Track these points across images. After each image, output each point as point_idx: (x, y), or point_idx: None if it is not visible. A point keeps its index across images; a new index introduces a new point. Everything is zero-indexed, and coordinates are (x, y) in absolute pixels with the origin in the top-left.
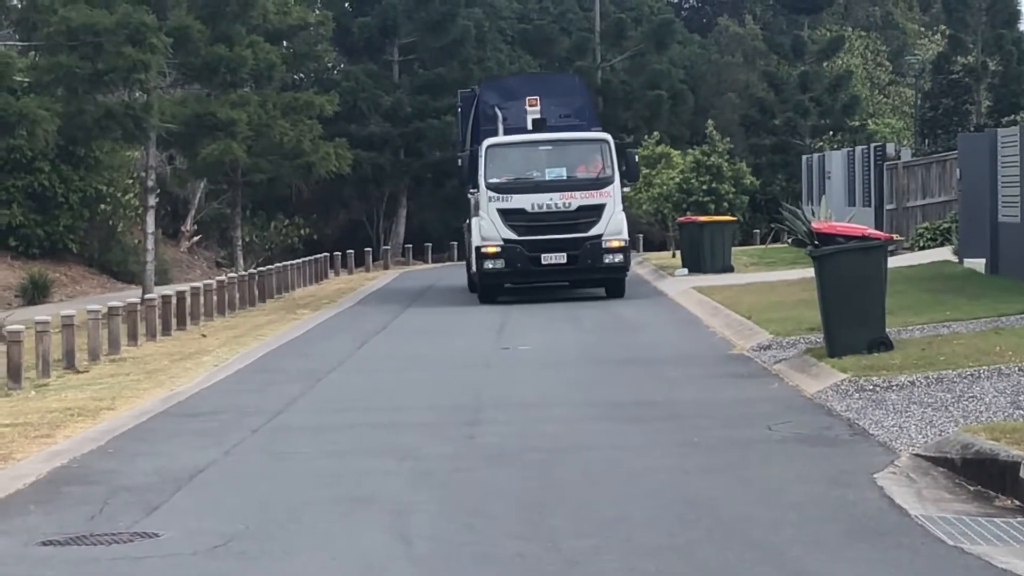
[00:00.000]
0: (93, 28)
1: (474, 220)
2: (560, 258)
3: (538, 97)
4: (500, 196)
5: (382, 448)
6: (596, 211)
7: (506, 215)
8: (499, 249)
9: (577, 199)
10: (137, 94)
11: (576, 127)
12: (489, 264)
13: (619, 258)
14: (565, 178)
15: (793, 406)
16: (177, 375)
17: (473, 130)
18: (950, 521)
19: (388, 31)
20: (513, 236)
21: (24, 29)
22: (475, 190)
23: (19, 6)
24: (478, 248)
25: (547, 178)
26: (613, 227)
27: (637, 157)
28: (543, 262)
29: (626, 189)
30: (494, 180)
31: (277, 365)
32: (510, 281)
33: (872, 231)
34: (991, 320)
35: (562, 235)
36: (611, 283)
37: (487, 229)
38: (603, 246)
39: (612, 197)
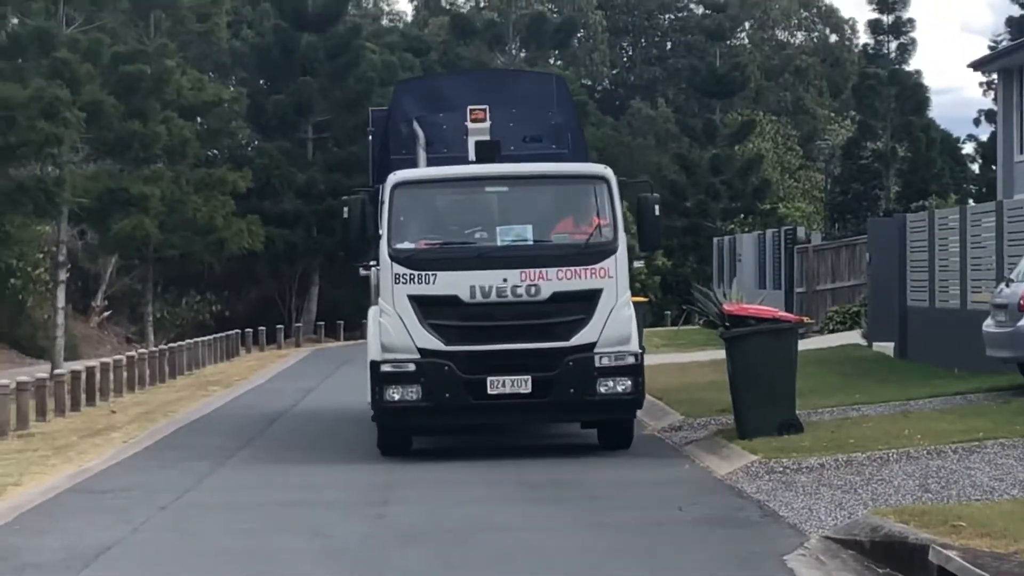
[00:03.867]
0: (6, 102)
1: (371, 312)
2: (520, 384)
3: (486, 108)
4: (414, 274)
5: (292, 526)
6: (585, 302)
7: (425, 307)
8: (412, 368)
9: (551, 281)
10: (49, 168)
11: (551, 156)
12: (394, 394)
13: (624, 385)
14: (530, 243)
15: (704, 487)
16: (86, 451)
17: (378, 161)
18: None
19: (302, 109)
20: (437, 344)
21: None
22: (371, 262)
23: None
24: (375, 366)
25: (499, 242)
26: (615, 329)
27: (657, 210)
28: (490, 391)
29: (639, 263)
30: (404, 245)
31: (187, 442)
32: (431, 422)
33: (783, 314)
34: (900, 404)
35: (524, 343)
36: (609, 427)
37: (391, 332)
38: (596, 364)
39: (613, 277)
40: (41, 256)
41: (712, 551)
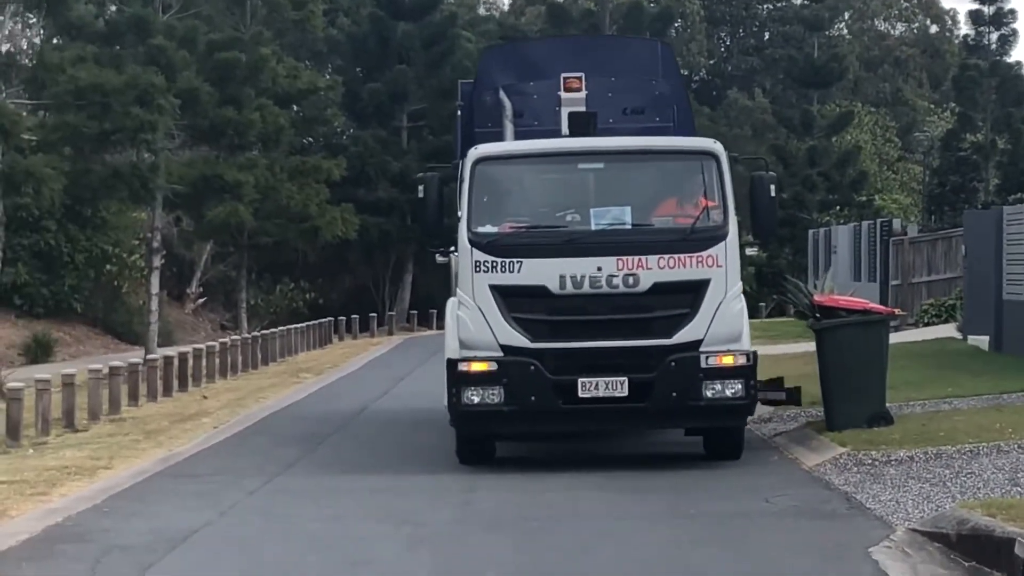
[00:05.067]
0: (101, 88)
1: (450, 304)
2: (615, 387)
3: (582, 76)
4: (497, 261)
5: (379, 512)
6: (690, 294)
7: (509, 299)
8: (493, 368)
9: (652, 270)
10: (144, 155)
11: (654, 130)
12: (473, 396)
13: (734, 389)
14: (629, 226)
15: (791, 479)
16: (176, 436)
17: (463, 136)
18: None
19: (398, 97)
20: (523, 341)
21: (33, 88)
22: (451, 248)
23: (28, 65)
24: (452, 364)
25: (593, 226)
26: (724, 326)
27: (773, 191)
28: (582, 394)
29: (752, 250)
30: (485, 229)
31: (277, 428)
32: (514, 429)
33: (874, 305)
34: (993, 397)
35: (620, 340)
36: (717, 434)
37: (471, 327)
38: (703, 365)
39: (723, 267)
40: (137, 243)
41: (797, 542)
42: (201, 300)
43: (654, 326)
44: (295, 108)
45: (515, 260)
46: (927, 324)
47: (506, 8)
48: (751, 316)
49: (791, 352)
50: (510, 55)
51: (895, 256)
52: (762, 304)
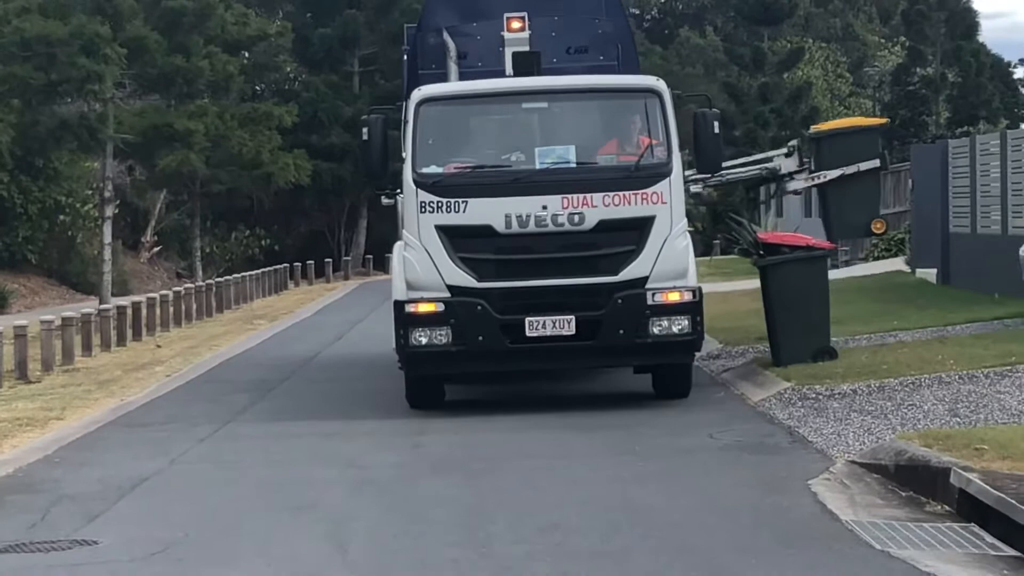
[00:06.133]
0: (47, 39)
1: (396, 247)
2: (562, 325)
3: (525, 16)
4: (442, 202)
5: (328, 457)
6: (635, 231)
7: (455, 239)
8: (440, 308)
9: (597, 208)
10: (93, 105)
11: (599, 69)
12: (421, 337)
13: (681, 325)
14: (573, 165)
15: (736, 414)
16: (129, 385)
17: (408, 80)
18: (880, 526)
19: (348, 42)
20: (469, 281)
21: None
22: (396, 189)
23: None
24: (399, 306)
25: (538, 165)
26: (669, 262)
27: (716, 127)
28: (529, 333)
29: (697, 187)
30: (430, 170)
31: (229, 376)
32: (462, 369)
33: (817, 241)
34: (937, 330)
35: (567, 278)
36: (665, 372)
37: (417, 267)
38: (649, 302)
39: (668, 203)
40: (90, 193)
41: (738, 476)
42: (156, 249)
43: (600, 264)
44: (245, 55)
45: (460, 200)
46: (877, 258)
47: None
48: (706, 254)
49: (742, 288)
50: None
51: None
52: (716, 241)
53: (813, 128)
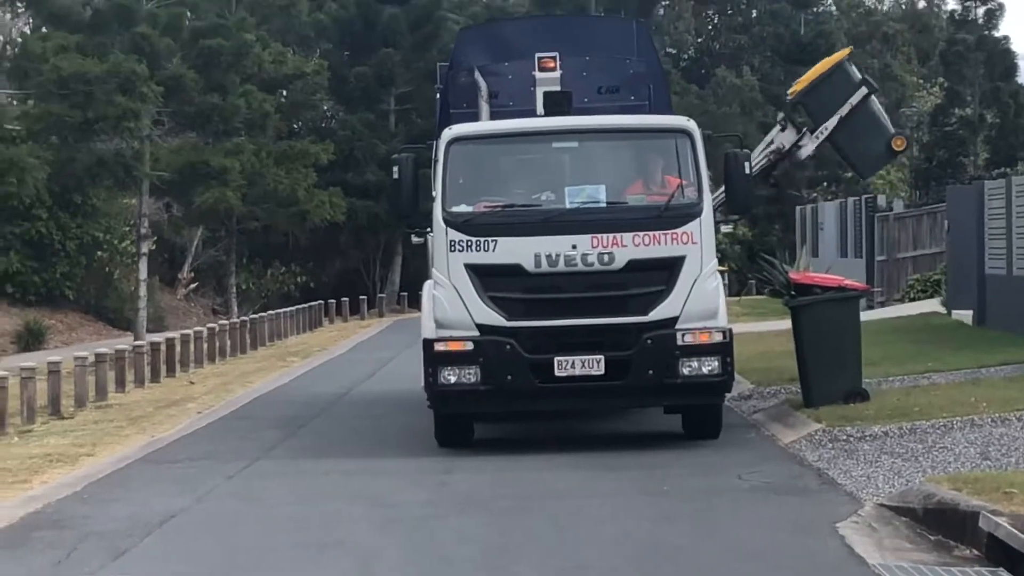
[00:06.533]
0: (84, 77)
1: (426, 285)
2: (591, 365)
3: (556, 56)
4: (472, 240)
5: (355, 493)
6: (665, 271)
7: (484, 278)
8: (469, 347)
9: (627, 247)
10: (128, 142)
11: (630, 109)
12: (450, 376)
13: (711, 366)
14: (603, 204)
15: (766, 456)
16: (160, 422)
17: (441, 116)
18: (907, 570)
19: (384, 80)
20: (498, 320)
21: (16, 77)
22: (427, 229)
23: (11, 54)
24: (428, 344)
25: (568, 204)
26: (699, 303)
27: (747, 168)
28: (558, 373)
29: (727, 227)
30: (460, 208)
31: (260, 412)
32: (491, 408)
33: (849, 282)
34: (971, 372)
35: (596, 318)
36: (695, 412)
37: (447, 306)
38: (679, 342)
39: (698, 244)
40: (127, 229)
41: (765, 518)
42: (193, 285)
43: (630, 303)
44: (282, 93)
45: (490, 239)
46: (913, 299)
47: None
48: (741, 294)
49: (776, 329)
50: (485, 35)
51: (881, 232)
52: (752, 280)
53: (790, 92)
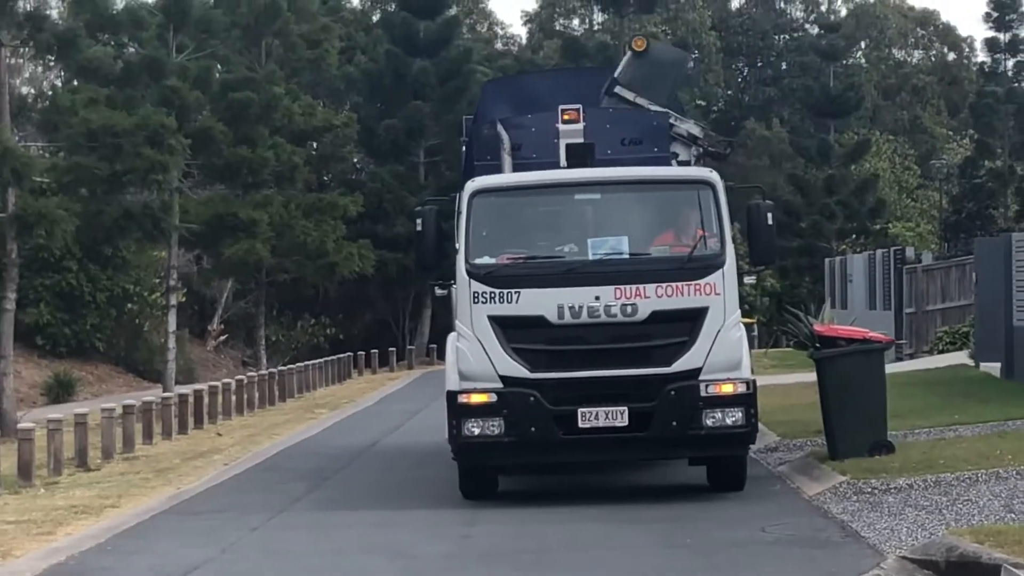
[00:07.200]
0: (113, 129)
1: (450, 337)
2: (615, 416)
3: (579, 108)
4: (495, 292)
5: (379, 546)
6: (688, 322)
7: (508, 330)
8: (493, 399)
9: (650, 299)
10: (157, 194)
11: (653, 161)
12: (474, 428)
13: (734, 417)
14: (626, 256)
15: (791, 508)
16: (186, 473)
17: (464, 168)
18: None
19: (414, 133)
20: (522, 372)
21: (46, 130)
22: (451, 282)
23: (41, 107)
24: (452, 396)
25: (591, 256)
26: (723, 354)
27: (770, 219)
28: (581, 424)
29: (750, 279)
30: (483, 260)
31: (287, 464)
32: (514, 460)
33: (873, 334)
34: (997, 424)
35: (620, 369)
36: (719, 464)
37: (470, 357)
38: (702, 393)
39: (721, 294)
40: (157, 281)
41: (788, 571)
42: (223, 337)
43: (653, 355)
44: (312, 145)
45: (513, 291)
46: (941, 351)
47: (523, 43)
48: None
49: (804, 381)
50: (508, 88)
51: (909, 284)
52: (780, 332)
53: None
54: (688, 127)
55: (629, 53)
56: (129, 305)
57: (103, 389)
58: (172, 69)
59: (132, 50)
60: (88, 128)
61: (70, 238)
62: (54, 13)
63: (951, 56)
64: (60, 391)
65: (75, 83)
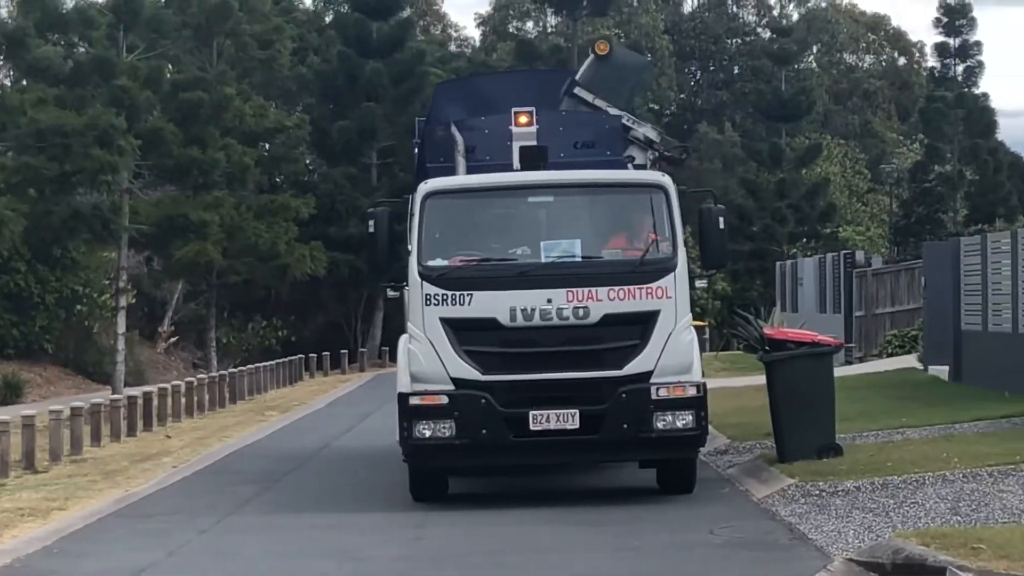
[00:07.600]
0: (62, 129)
1: (402, 339)
2: (566, 419)
3: (533, 111)
4: (447, 294)
5: (328, 549)
6: (640, 325)
7: (460, 332)
8: (444, 401)
9: (602, 302)
10: (106, 195)
11: (606, 164)
12: (425, 430)
13: (685, 420)
14: (578, 259)
15: (739, 511)
16: (135, 476)
17: (417, 170)
18: None
19: (366, 135)
20: (473, 374)
21: None
22: (403, 283)
23: None
24: (403, 399)
25: (543, 259)
26: (674, 357)
27: (722, 223)
28: (533, 427)
29: (702, 282)
30: (435, 263)
31: (236, 467)
32: (465, 463)
33: (822, 337)
34: (944, 427)
35: (571, 372)
36: (669, 467)
37: (422, 360)
38: (653, 396)
39: (672, 298)
40: (107, 283)
41: (735, 574)
42: (173, 339)
43: (605, 357)
44: (264, 146)
45: (465, 293)
46: (890, 355)
47: (477, 45)
48: (721, 348)
49: (755, 384)
50: (462, 90)
51: (859, 287)
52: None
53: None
54: (645, 131)
55: (592, 56)
56: (78, 307)
57: (52, 391)
58: (122, 69)
59: (82, 50)
60: (37, 128)
61: (18, 239)
62: (3, 12)
63: (902, 61)
64: (8, 393)
65: (24, 83)
